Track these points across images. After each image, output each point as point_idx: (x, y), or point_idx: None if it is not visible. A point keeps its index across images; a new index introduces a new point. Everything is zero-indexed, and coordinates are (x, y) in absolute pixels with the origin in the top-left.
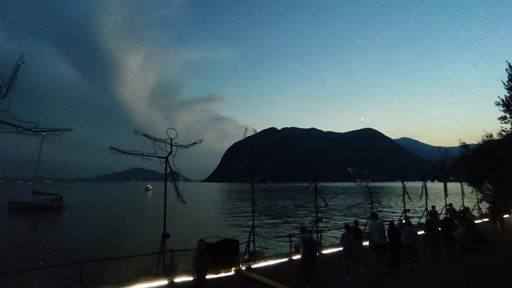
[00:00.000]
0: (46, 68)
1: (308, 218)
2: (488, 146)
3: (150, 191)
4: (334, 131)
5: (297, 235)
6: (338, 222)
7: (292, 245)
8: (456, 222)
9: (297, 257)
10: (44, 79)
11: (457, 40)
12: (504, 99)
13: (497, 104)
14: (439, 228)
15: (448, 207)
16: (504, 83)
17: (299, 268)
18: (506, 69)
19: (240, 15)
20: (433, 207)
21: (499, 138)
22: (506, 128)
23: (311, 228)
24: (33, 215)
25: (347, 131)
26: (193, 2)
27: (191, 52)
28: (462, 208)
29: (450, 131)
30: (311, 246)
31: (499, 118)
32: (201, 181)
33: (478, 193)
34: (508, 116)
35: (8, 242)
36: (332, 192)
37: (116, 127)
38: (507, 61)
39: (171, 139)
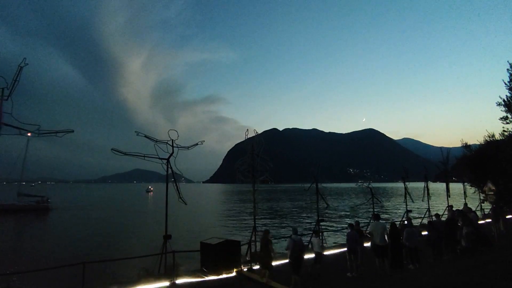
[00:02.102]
0: (49, 70)
1: (309, 219)
2: (490, 146)
3: (151, 193)
4: (336, 131)
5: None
6: (340, 223)
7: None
8: (459, 223)
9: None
10: (46, 80)
11: (459, 39)
12: (505, 99)
13: (499, 104)
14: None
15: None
16: (505, 83)
17: (291, 270)
18: (507, 69)
19: (242, 17)
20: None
21: (501, 138)
22: (507, 129)
23: (317, 229)
24: (17, 217)
25: (348, 131)
26: (195, 4)
27: (192, 54)
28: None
29: (452, 131)
30: (299, 249)
31: (501, 118)
32: (203, 182)
33: (480, 193)
34: (509, 116)
35: None
36: (334, 193)
37: (118, 127)
38: (508, 61)
39: (172, 140)
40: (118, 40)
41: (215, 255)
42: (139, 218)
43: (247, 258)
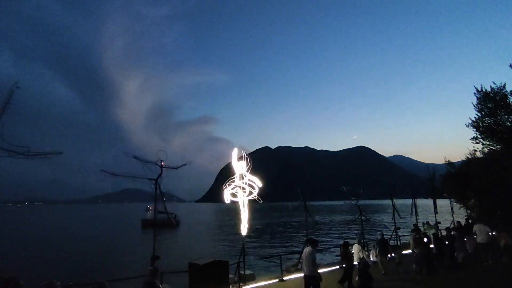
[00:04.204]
0: (46, 92)
1: (298, 237)
2: (471, 163)
3: (150, 211)
4: (328, 149)
5: (286, 254)
6: (330, 242)
7: (283, 267)
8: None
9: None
10: (43, 102)
11: (450, 56)
12: (474, 121)
13: (468, 125)
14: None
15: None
16: (474, 106)
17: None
18: (474, 93)
19: (233, 41)
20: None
21: (481, 156)
22: (477, 148)
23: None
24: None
25: (340, 149)
26: (190, 30)
27: (187, 77)
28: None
29: (441, 147)
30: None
31: (471, 138)
32: (195, 201)
33: (466, 209)
34: (479, 136)
35: None
36: (325, 211)
37: (112, 148)
38: (474, 85)
39: (161, 161)
40: (116, 64)
41: (203, 276)
42: (128, 239)
43: (235, 278)
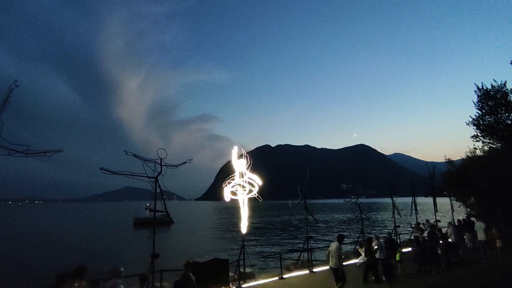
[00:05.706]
0: (46, 90)
1: (299, 235)
2: (471, 161)
3: (149, 210)
4: (328, 147)
5: (285, 252)
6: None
7: (283, 264)
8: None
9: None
10: (43, 100)
11: (450, 55)
12: (474, 118)
13: (468, 123)
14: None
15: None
16: (474, 103)
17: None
18: (475, 90)
19: (234, 40)
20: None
21: (481, 154)
22: (478, 146)
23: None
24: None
25: (340, 147)
26: (189, 29)
27: (187, 75)
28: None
29: (441, 146)
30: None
31: (472, 136)
32: (195, 200)
33: (466, 208)
34: (479, 134)
35: None
36: (325, 209)
37: (112, 146)
38: (475, 83)
39: (161, 159)
40: (116, 62)
41: (203, 274)
42: (128, 236)
43: (235, 276)
